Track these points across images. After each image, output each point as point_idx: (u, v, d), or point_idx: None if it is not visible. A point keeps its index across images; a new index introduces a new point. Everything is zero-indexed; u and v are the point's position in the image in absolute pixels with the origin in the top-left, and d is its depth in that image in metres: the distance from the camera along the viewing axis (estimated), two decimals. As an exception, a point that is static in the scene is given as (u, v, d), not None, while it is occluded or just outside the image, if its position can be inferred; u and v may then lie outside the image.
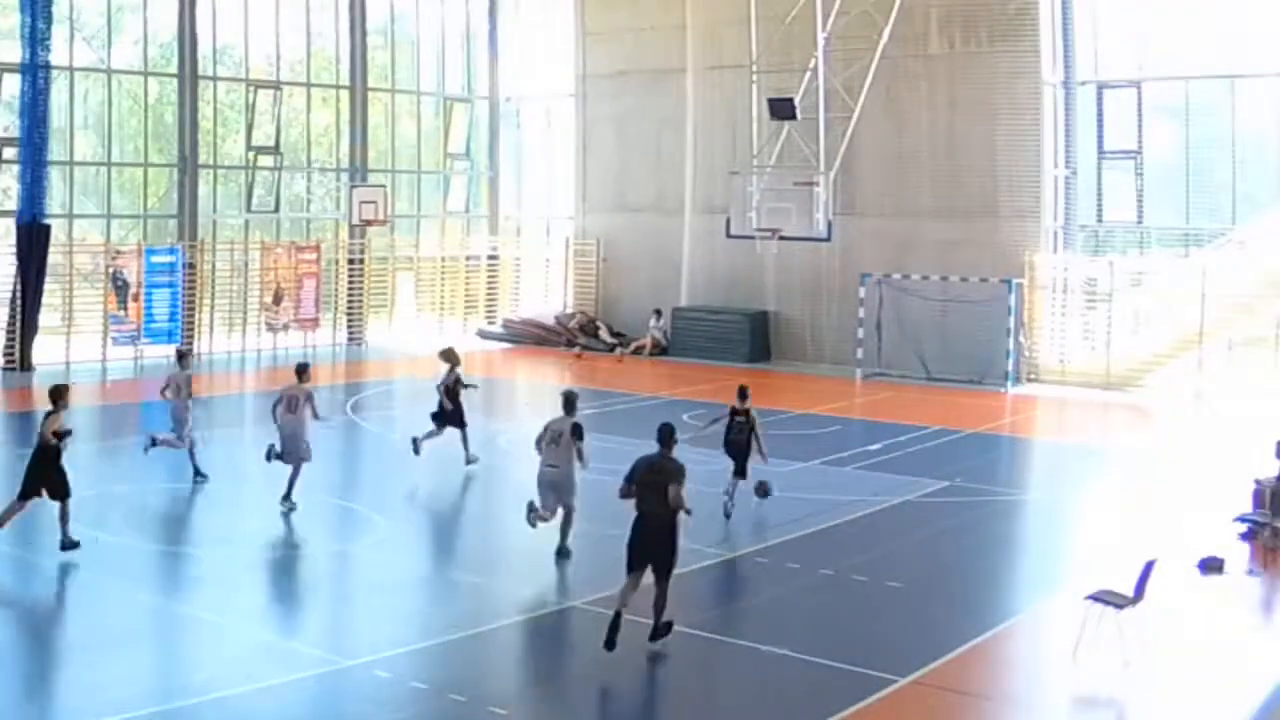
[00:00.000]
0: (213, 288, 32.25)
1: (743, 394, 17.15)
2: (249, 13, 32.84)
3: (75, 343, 29.66)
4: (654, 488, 11.92)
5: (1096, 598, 12.27)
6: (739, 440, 16.91)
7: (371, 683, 11.26)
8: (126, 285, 30.40)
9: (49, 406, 14.84)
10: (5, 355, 28.57)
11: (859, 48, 30.02)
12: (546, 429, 14.86)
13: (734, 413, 17.05)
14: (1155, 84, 30.41)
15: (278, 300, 33.27)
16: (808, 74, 30.50)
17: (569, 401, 14.92)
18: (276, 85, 33.88)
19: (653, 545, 11.95)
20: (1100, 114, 30.98)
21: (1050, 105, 30.82)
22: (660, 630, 12.09)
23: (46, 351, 29.06)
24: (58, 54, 28.81)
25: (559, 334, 36.07)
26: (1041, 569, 16.16)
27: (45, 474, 14.52)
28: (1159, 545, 14.64)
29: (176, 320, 31.27)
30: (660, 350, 34.89)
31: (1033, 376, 30.53)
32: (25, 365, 28.47)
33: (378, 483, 19.82)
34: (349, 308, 35.43)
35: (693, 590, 14.32)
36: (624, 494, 12.18)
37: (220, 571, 14.76)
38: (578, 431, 14.57)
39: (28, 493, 14.54)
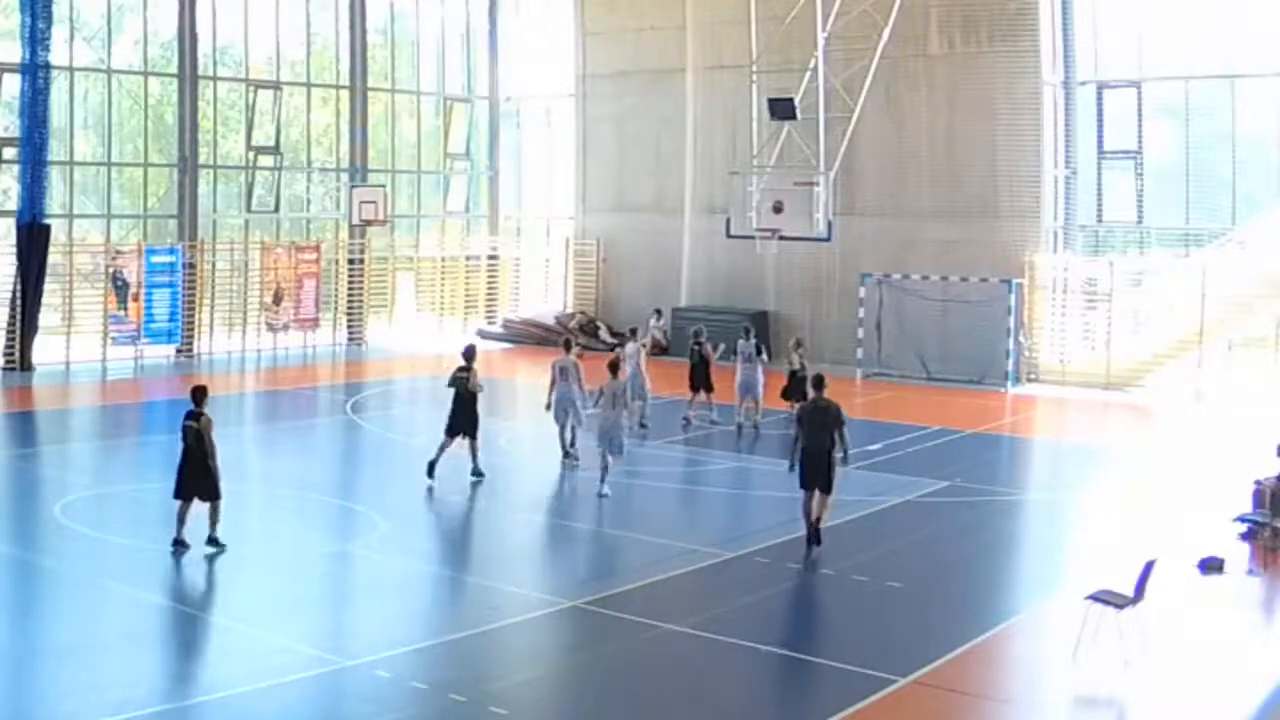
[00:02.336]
0: (213, 288, 32.24)
1: (798, 343, 24.65)
2: (249, 13, 32.83)
3: (75, 343, 29.64)
4: (817, 424, 15.37)
5: (1096, 598, 12.27)
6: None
7: (371, 683, 11.26)
8: (126, 285, 30.38)
9: (461, 363, 19.02)
10: (5, 355, 28.56)
11: (859, 48, 30.01)
12: (738, 352, 23.72)
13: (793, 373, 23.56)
14: (1155, 84, 30.40)
15: (278, 300, 33.26)
16: (808, 74, 30.48)
17: (748, 330, 24.72)
18: (276, 85, 33.87)
19: (816, 470, 15.33)
20: (1100, 114, 30.98)
21: (1050, 105, 30.82)
22: (818, 536, 15.47)
23: (46, 351, 29.05)
24: (58, 54, 28.81)
25: (559, 334, 36.03)
26: (1041, 569, 16.16)
27: (467, 417, 18.61)
28: (1159, 545, 14.65)
29: (176, 320, 31.26)
30: (660, 350, 34.85)
31: (1033, 376, 30.53)
32: (25, 365, 28.46)
33: (378, 483, 19.81)
34: (349, 308, 35.42)
35: (693, 590, 14.34)
36: (797, 434, 15.58)
37: (221, 571, 14.76)
38: (759, 349, 23.91)
39: (454, 431, 18.63)
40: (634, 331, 25.08)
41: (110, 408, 26.11)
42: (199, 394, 15.29)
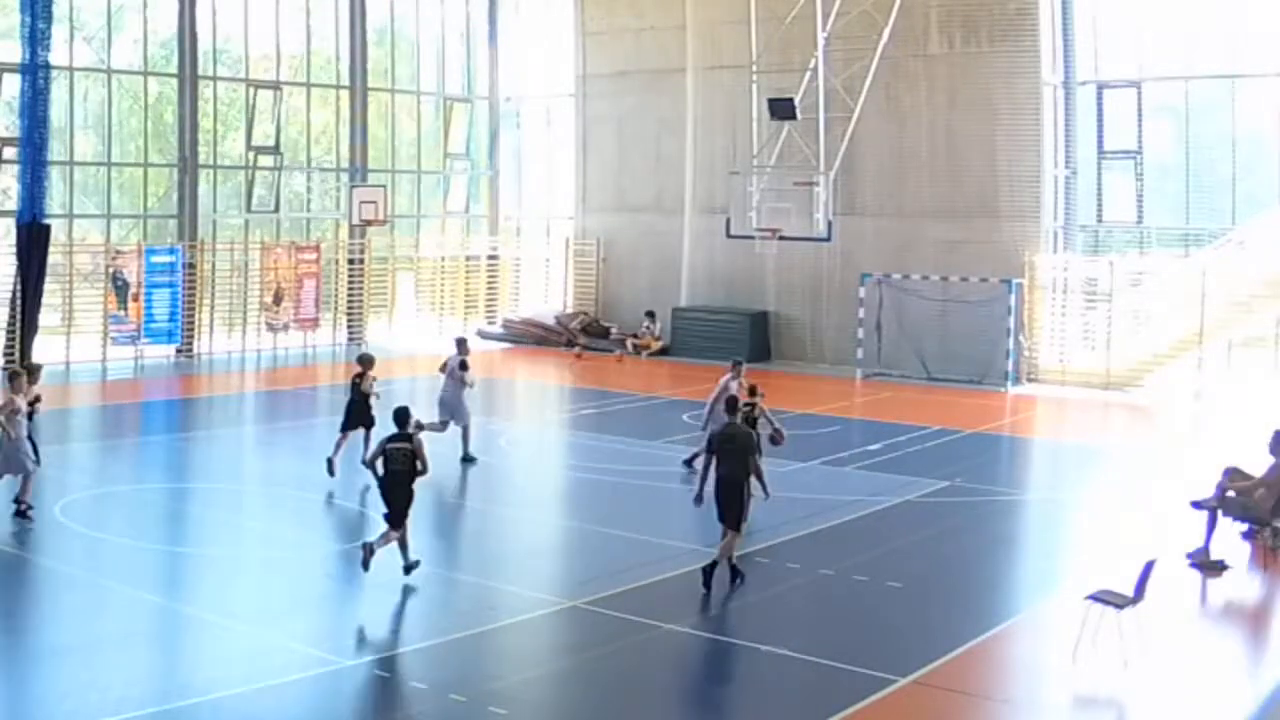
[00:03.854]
0: (213, 288, 32.24)
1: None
2: (249, 12, 32.84)
3: (75, 343, 29.64)
4: (730, 453, 13.98)
5: (1096, 598, 12.27)
6: None
7: (371, 683, 11.26)
8: (126, 285, 30.38)
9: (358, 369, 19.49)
10: (5, 355, 28.55)
11: (859, 48, 30.03)
12: None
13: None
14: (1155, 84, 30.40)
15: (278, 300, 33.26)
16: (808, 74, 30.51)
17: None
18: (276, 85, 33.87)
19: (729, 503, 13.93)
20: (1100, 114, 30.97)
21: (1050, 105, 30.81)
22: (737, 573, 14.10)
23: (46, 351, 29.01)
24: (58, 54, 28.76)
25: (559, 334, 36.08)
26: (1041, 569, 16.15)
27: (363, 414, 19.02)
28: (1159, 545, 14.65)
29: (176, 320, 31.25)
30: (661, 351, 34.90)
31: (1033, 376, 30.52)
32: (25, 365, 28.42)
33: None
34: (349, 308, 35.42)
35: (693, 590, 14.32)
36: (708, 461, 14.21)
37: (220, 571, 14.77)
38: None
39: (348, 427, 19.08)
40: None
41: (110, 408, 26.10)
42: (365, 360, 18.87)
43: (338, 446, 18.73)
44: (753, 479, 14.43)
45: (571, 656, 12.64)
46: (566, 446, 22.55)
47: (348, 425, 19.00)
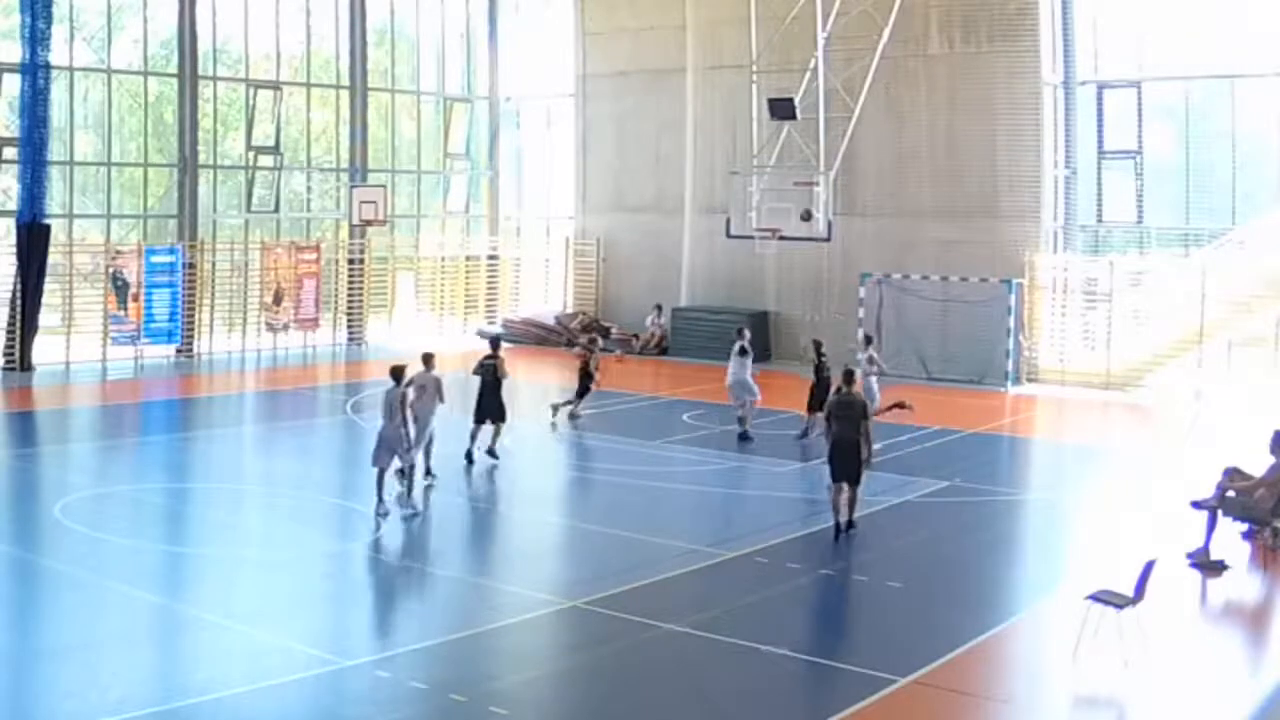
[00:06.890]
0: (213, 288, 32.23)
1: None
2: (249, 12, 32.84)
3: (75, 343, 29.63)
4: (845, 419, 16.12)
5: (1096, 598, 12.27)
6: None
7: (371, 683, 11.26)
8: (126, 285, 30.37)
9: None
10: (5, 355, 28.55)
11: (859, 48, 30.03)
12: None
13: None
14: (1155, 84, 30.41)
15: (278, 300, 33.25)
16: (808, 74, 30.50)
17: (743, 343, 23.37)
18: (276, 85, 33.87)
19: (846, 462, 16.06)
20: (1100, 114, 30.98)
21: (1050, 105, 30.81)
22: (851, 523, 16.27)
23: (46, 351, 29.05)
24: (58, 54, 28.79)
25: (559, 334, 36.07)
26: (1041, 569, 16.16)
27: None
28: (1159, 545, 14.65)
29: (176, 320, 31.24)
30: (660, 350, 34.88)
31: (1033, 376, 30.52)
32: (25, 365, 28.44)
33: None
34: (349, 308, 35.42)
35: (693, 590, 14.34)
36: (827, 429, 16.39)
37: (220, 571, 14.77)
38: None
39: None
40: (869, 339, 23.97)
41: (110, 408, 26.10)
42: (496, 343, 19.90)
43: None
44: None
45: (571, 656, 12.64)
46: (567, 446, 22.55)
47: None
